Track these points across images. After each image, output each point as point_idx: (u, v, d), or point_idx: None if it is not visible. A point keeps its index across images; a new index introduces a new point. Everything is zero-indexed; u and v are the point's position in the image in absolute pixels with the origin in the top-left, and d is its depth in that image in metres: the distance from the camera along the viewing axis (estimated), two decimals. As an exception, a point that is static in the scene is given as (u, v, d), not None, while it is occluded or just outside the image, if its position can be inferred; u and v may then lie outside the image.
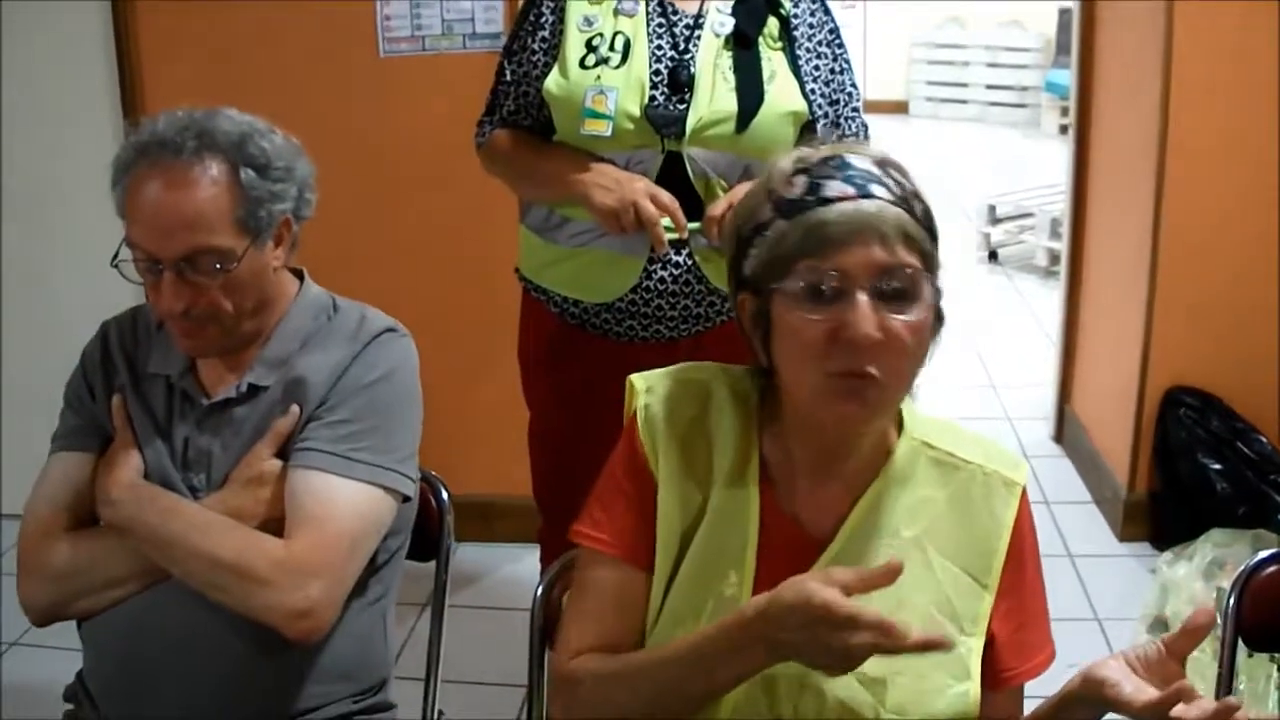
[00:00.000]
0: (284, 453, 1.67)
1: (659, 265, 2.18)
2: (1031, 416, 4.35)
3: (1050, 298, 5.12)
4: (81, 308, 3.40)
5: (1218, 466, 3.19)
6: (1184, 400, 3.30)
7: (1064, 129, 7.87)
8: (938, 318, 1.34)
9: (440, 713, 1.85)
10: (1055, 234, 5.75)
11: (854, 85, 2.33)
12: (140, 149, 1.61)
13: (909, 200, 1.30)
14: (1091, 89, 3.86)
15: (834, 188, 1.29)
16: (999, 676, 1.38)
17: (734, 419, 1.41)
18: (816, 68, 2.24)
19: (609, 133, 2.11)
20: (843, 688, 1.31)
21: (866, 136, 2.37)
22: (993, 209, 6.44)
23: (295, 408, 1.68)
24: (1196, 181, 3.20)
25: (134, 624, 1.65)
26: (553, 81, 2.16)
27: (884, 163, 1.33)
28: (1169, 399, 3.33)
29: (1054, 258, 5.71)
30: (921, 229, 1.30)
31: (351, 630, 1.70)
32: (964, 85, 10.72)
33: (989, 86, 10.60)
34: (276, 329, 1.73)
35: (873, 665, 1.26)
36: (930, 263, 1.30)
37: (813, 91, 2.22)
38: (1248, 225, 3.21)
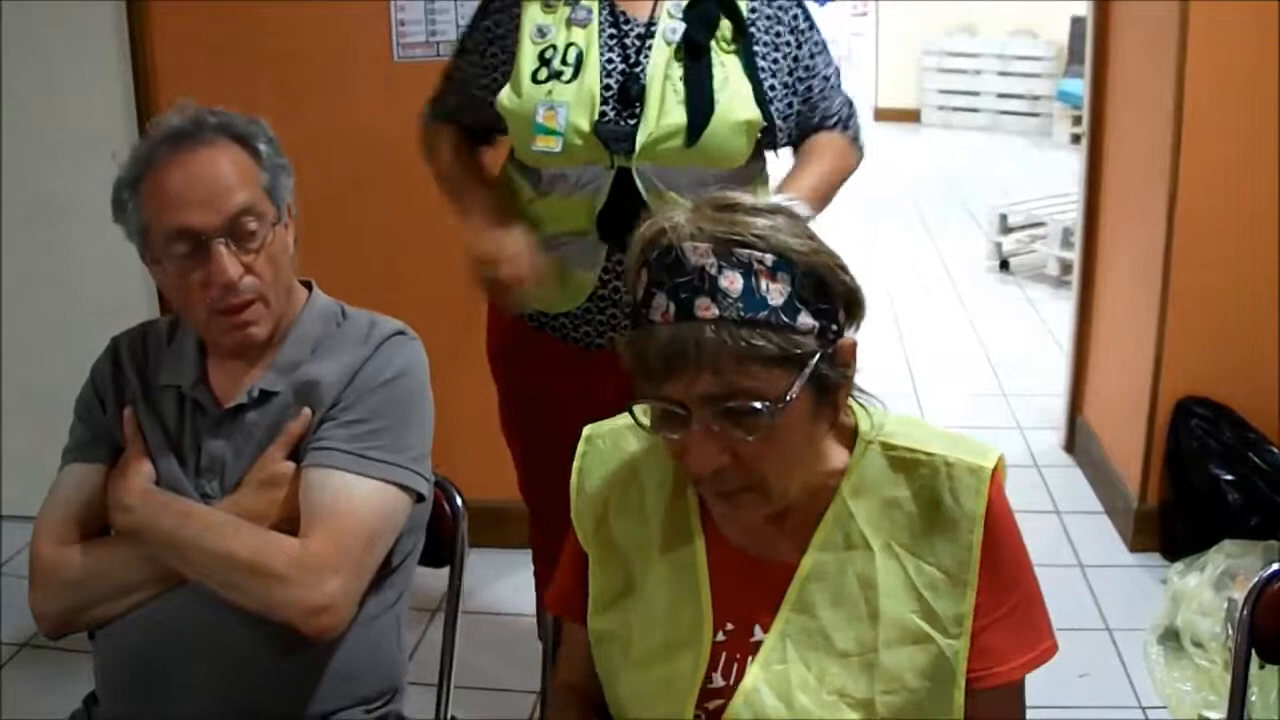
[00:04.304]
0: (296, 455, 1.69)
1: (614, 276, 2.17)
2: (1042, 426, 4.34)
3: (1061, 307, 5.12)
4: (85, 310, 3.45)
5: (1229, 477, 3.19)
6: (1196, 411, 3.29)
7: (1076, 138, 7.87)
8: (823, 388, 1.25)
9: (453, 718, 1.85)
10: (1067, 243, 5.74)
11: (829, 65, 2.26)
12: (154, 146, 1.65)
13: (755, 295, 1.19)
14: (1105, 98, 3.85)
15: (658, 305, 1.21)
16: (986, 674, 1.31)
17: (669, 465, 1.39)
18: (776, 61, 2.18)
19: (559, 149, 2.08)
20: (831, 712, 1.29)
21: (851, 112, 2.31)
22: (1004, 218, 6.44)
23: (307, 410, 1.69)
24: (1209, 191, 3.20)
25: (146, 631, 1.65)
26: (506, 96, 2.12)
27: (731, 244, 1.20)
28: (1181, 409, 3.32)
29: (1065, 267, 5.70)
30: (768, 334, 1.19)
31: (366, 634, 1.70)
32: (975, 94, 10.71)
33: (1000, 95, 10.59)
34: (288, 335, 1.75)
35: (856, 686, 1.29)
36: (788, 356, 1.20)
37: (772, 88, 2.16)
38: (1261, 235, 3.21)
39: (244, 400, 1.71)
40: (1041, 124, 10.27)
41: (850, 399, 1.33)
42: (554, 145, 2.07)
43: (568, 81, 2.09)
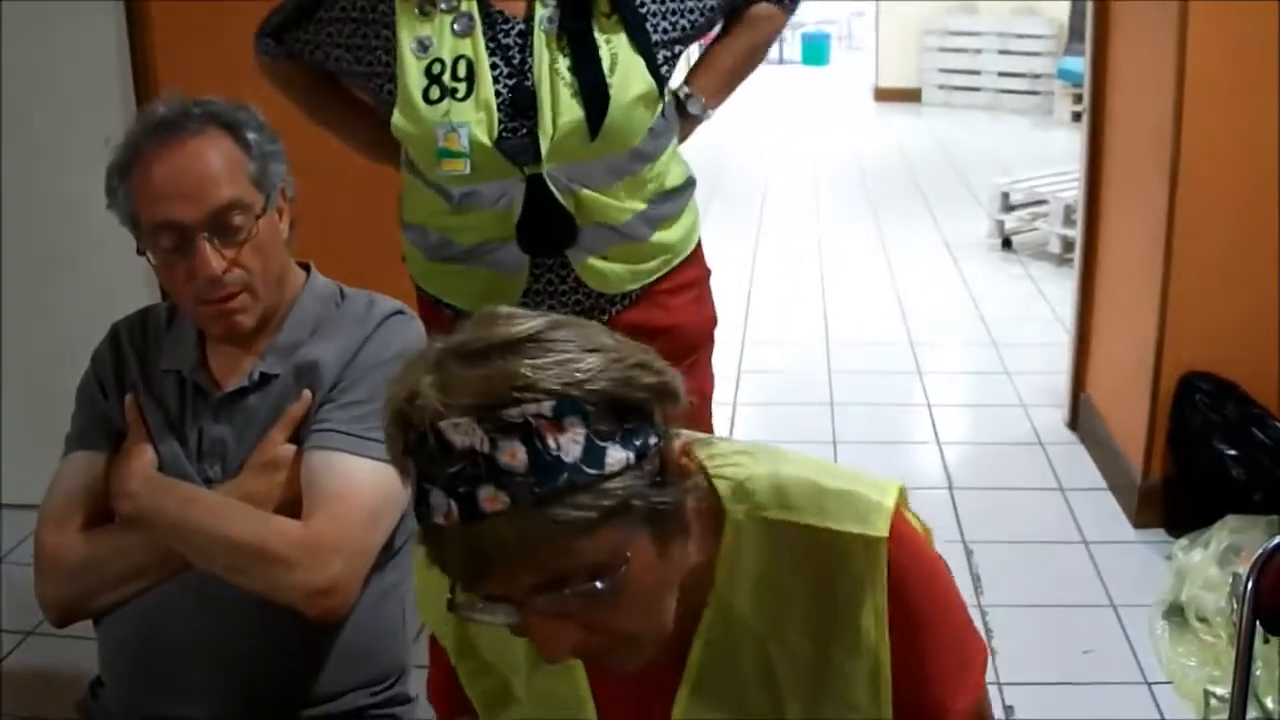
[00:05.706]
0: (297, 437, 1.69)
1: (545, 269, 2.10)
2: (1046, 403, 4.34)
3: (1064, 284, 5.11)
4: (83, 301, 3.44)
5: (1233, 452, 3.18)
6: (1199, 386, 3.29)
7: (1076, 116, 7.85)
8: (662, 519, 1.02)
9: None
10: (1069, 221, 5.73)
11: None
12: (142, 136, 1.64)
13: (545, 459, 0.94)
14: (1105, 76, 3.84)
15: (436, 505, 0.96)
16: None
17: None
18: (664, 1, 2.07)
19: (467, 171, 1.98)
20: None
21: None
22: (1006, 196, 6.43)
23: (307, 392, 1.70)
24: (1210, 167, 3.19)
25: (150, 618, 1.66)
26: (400, 120, 2.01)
27: (495, 409, 0.94)
28: (1184, 385, 3.32)
29: (1068, 245, 5.69)
30: (576, 499, 0.95)
31: (371, 617, 1.71)
32: (976, 73, 10.69)
33: (1001, 74, 10.57)
34: (287, 317, 1.75)
35: None
36: (610, 511, 0.96)
37: (665, 31, 2.07)
38: (1262, 210, 3.20)
39: (244, 384, 1.71)
40: (1042, 102, 10.26)
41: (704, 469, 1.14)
42: (461, 168, 1.98)
43: (463, 98, 1.99)
